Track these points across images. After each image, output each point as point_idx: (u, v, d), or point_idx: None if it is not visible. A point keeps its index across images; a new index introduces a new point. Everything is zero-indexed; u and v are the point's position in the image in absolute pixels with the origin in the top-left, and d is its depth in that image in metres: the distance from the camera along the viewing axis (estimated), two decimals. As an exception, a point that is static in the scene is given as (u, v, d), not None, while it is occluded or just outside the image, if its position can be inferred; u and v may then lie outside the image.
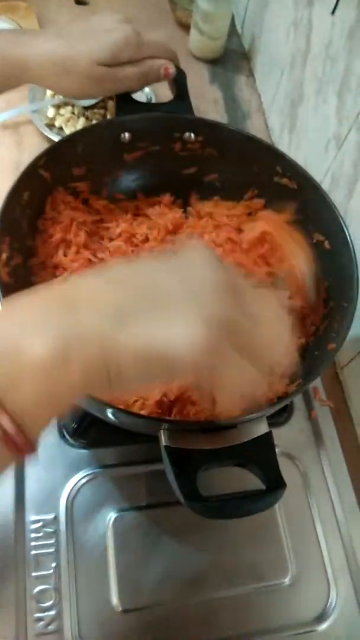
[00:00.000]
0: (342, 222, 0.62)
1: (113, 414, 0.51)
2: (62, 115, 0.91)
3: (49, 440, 0.66)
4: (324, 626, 0.60)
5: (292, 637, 0.59)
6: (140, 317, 0.31)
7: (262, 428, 0.49)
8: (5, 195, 0.58)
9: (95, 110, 0.91)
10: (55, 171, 0.65)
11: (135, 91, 0.71)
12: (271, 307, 0.38)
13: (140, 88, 0.71)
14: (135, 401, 0.56)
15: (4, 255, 0.57)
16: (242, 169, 0.71)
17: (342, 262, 0.61)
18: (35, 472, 0.63)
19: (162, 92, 0.88)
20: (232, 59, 1.06)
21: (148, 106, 0.72)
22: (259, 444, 0.49)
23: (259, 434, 0.49)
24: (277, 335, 0.37)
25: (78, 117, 0.91)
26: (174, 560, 0.61)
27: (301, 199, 0.67)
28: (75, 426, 0.65)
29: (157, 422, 0.51)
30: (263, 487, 0.48)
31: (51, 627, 0.56)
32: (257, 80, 1.03)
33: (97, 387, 0.32)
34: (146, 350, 0.31)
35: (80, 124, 0.89)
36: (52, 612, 0.57)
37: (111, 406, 0.49)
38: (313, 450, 0.70)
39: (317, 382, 0.74)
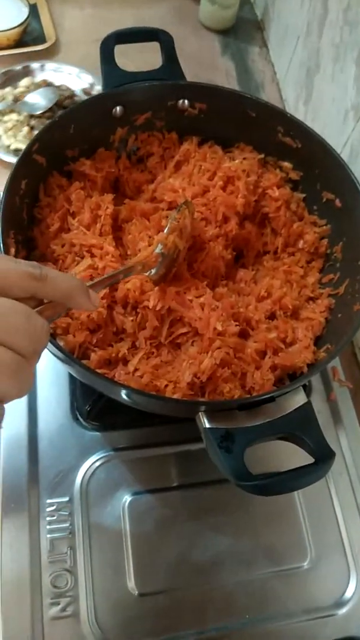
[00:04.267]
0: (353, 177, 0.60)
1: (148, 402, 0.50)
2: (5, 122, 0.85)
3: (63, 423, 0.65)
4: (343, 610, 0.59)
5: (311, 622, 0.58)
6: None
7: (301, 398, 0.49)
8: (4, 187, 0.56)
9: (43, 119, 0.85)
10: (49, 155, 0.62)
11: None
12: None
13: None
14: (166, 386, 0.54)
15: (12, 250, 0.54)
16: (241, 131, 0.69)
17: (355, 219, 0.59)
18: (49, 455, 0.63)
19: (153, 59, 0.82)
20: (244, 28, 1.02)
21: (136, 75, 0.67)
22: (300, 414, 0.48)
23: (299, 405, 0.49)
24: None
25: (22, 126, 0.85)
26: (190, 544, 0.60)
27: (306, 158, 0.65)
28: (88, 409, 0.64)
29: (195, 404, 0.50)
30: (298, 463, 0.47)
31: (67, 611, 0.56)
32: (270, 50, 0.99)
33: None
34: None
35: (24, 133, 0.84)
36: (68, 596, 0.56)
37: (147, 394, 0.49)
38: (332, 432, 0.68)
39: (336, 362, 0.72)
